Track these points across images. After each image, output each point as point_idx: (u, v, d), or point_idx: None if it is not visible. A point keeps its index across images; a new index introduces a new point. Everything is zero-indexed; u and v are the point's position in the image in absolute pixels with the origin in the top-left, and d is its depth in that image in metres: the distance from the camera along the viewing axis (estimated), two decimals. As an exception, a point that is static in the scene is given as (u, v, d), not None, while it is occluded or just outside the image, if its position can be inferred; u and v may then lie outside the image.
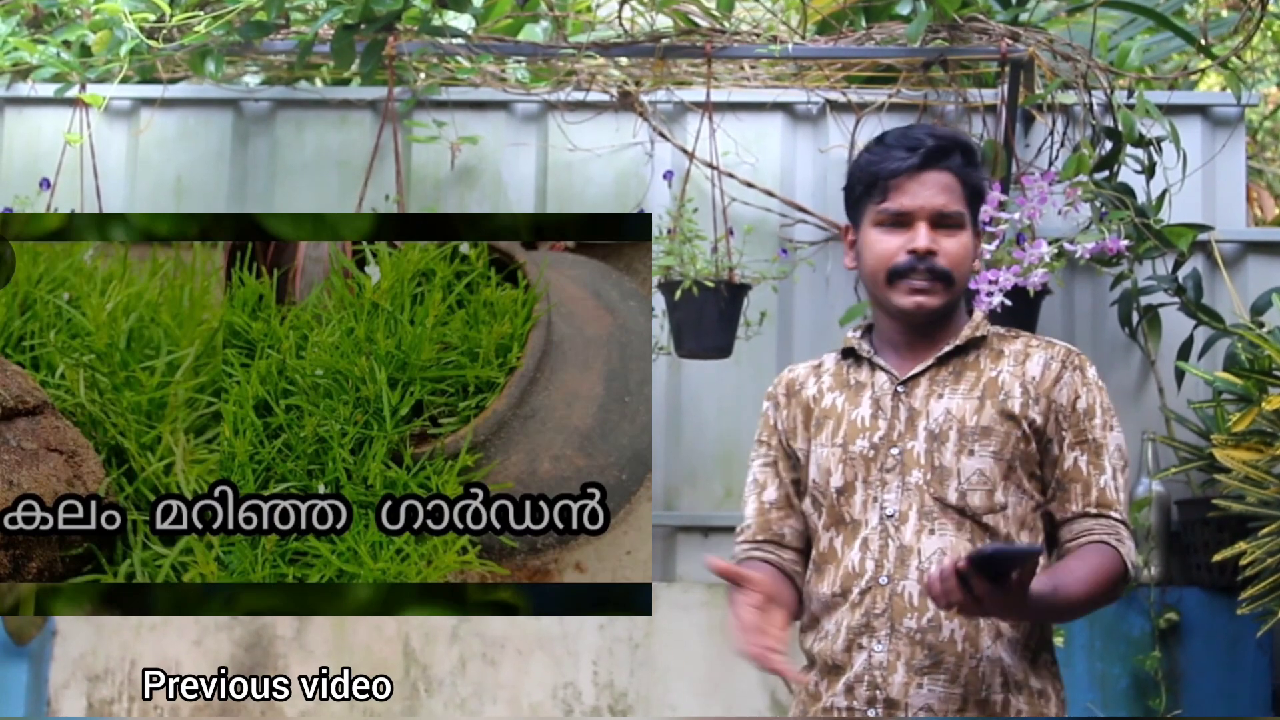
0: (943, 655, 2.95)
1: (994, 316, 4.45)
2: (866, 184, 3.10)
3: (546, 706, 5.13)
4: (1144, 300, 5.14)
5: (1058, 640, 4.67)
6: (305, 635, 5.17)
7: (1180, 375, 5.10)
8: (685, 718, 5.08)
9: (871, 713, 2.97)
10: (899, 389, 3.08)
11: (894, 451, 3.04)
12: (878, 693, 2.97)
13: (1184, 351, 5.08)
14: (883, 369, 3.11)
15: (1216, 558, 4.65)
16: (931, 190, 3.05)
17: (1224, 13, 6.53)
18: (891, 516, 3.01)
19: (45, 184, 5.08)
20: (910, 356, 3.11)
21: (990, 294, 4.54)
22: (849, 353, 3.19)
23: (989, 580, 2.75)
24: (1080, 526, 3.03)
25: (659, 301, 4.88)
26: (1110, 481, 3.05)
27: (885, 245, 3.07)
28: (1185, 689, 4.95)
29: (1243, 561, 4.43)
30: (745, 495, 3.25)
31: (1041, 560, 2.99)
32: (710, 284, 4.75)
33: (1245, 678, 4.92)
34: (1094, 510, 3.03)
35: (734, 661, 5.10)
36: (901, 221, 3.06)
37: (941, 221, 3.05)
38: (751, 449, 3.28)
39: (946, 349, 3.09)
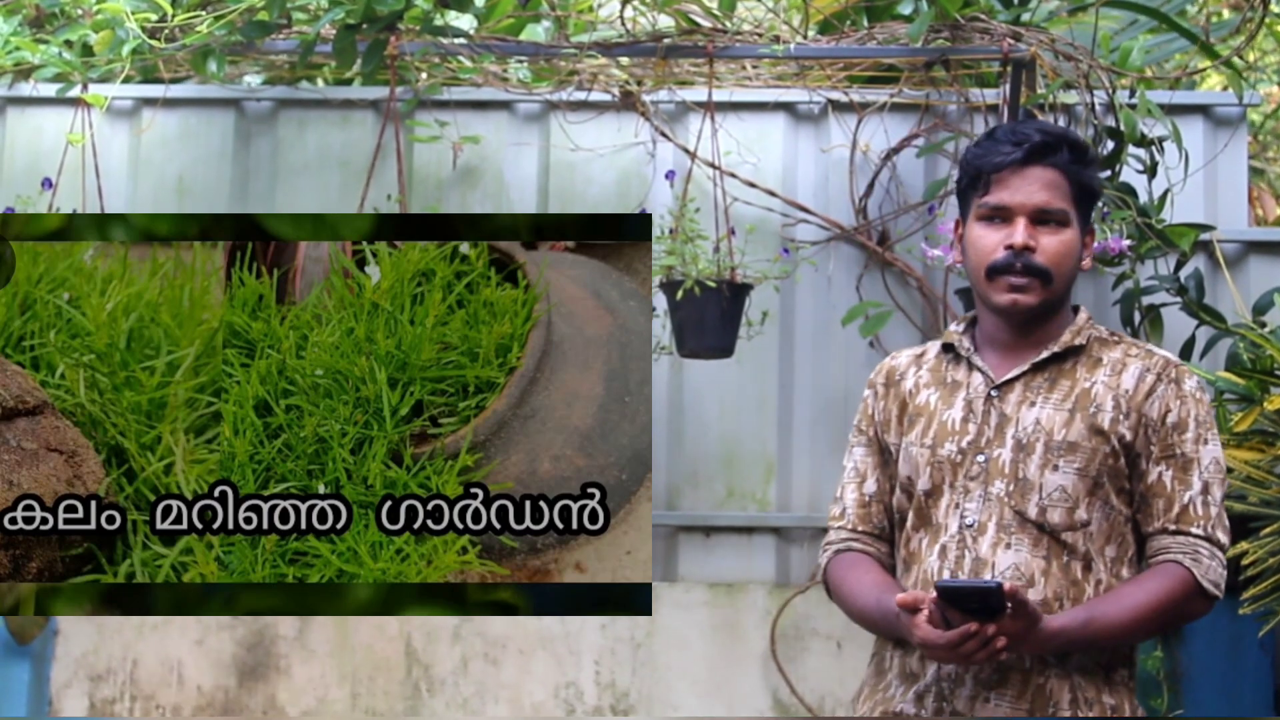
0: (1010, 671, 2.93)
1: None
2: (971, 177, 3.07)
3: (548, 706, 5.13)
4: (1146, 300, 5.13)
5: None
6: (307, 635, 5.18)
7: (1182, 375, 5.09)
8: (687, 718, 5.08)
9: None
10: (992, 393, 3.04)
11: (979, 459, 3.00)
12: (945, 704, 2.95)
13: (1186, 351, 5.07)
14: (979, 370, 3.07)
15: (1218, 558, 4.65)
16: (1034, 186, 3.01)
17: (1225, 12, 6.53)
18: (970, 526, 2.97)
19: (47, 183, 5.08)
20: (1011, 357, 3.06)
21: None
22: (949, 348, 3.16)
23: (966, 614, 2.74)
24: (1158, 544, 2.99)
25: (660, 301, 4.88)
26: (1197, 497, 2.98)
27: (985, 240, 3.03)
28: (1187, 688, 4.94)
29: (1244, 561, 4.42)
30: (844, 480, 3.20)
31: (1113, 575, 2.99)
32: (712, 284, 4.74)
33: (1247, 677, 4.91)
34: (1173, 527, 2.97)
35: (736, 661, 5.13)
36: (1002, 216, 3.02)
37: (1042, 218, 3.00)
38: (851, 433, 3.24)
39: (1044, 354, 3.04)
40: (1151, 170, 4.99)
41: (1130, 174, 4.98)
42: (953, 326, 3.18)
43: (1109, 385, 3.01)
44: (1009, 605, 2.75)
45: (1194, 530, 2.97)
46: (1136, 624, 2.92)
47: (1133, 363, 3.05)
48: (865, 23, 5.51)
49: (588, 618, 5.15)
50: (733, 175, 5.28)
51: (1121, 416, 2.99)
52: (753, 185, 5.37)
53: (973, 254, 3.06)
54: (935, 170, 5.38)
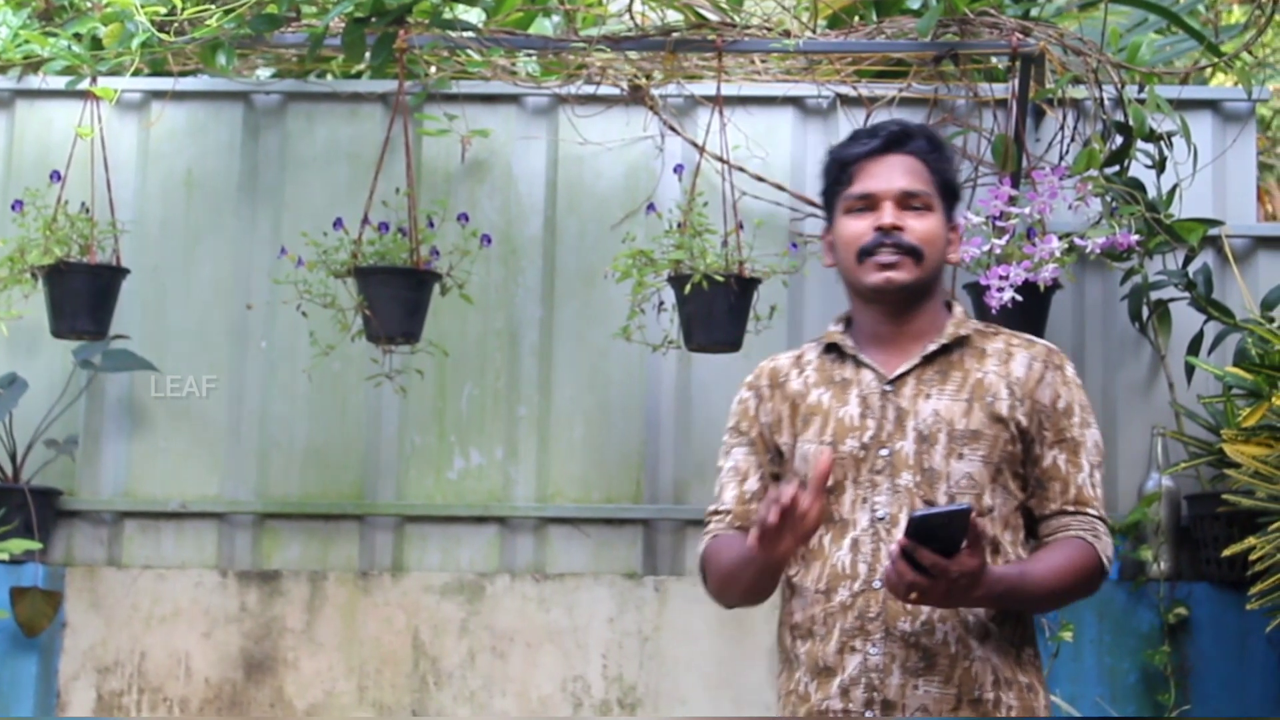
0: (936, 657, 2.99)
1: (1004, 312, 4.46)
2: (835, 175, 3.17)
3: (555, 700, 5.14)
4: (1154, 295, 5.13)
5: (1066, 635, 4.72)
6: (315, 628, 5.19)
7: (1190, 370, 5.10)
8: (694, 718, 5.08)
9: (869, 714, 2.99)
10: (886, 388, 3.09)
11: (883, 452, 3.05)
12: (875, 694, 2.99)
13: (1194, 346, 5.08)
14: (868, 367, 3.12)
15: (1226, 553, 4.66)
16: (896, 172, 3.10)
17: (1235, 10, 6.52)
18: (883, 519, 3.02)
19: (56, 176, 5.07)
20: (894, 352, 3.12)
21: (1001, 290, 4.54)
22: (832, 347, 3.20)
23: (934, 550, 2.77)
24: (1058, 523, 3.08)
25: (669, 295, 4.88)
26: (1088, 479, 3.10)
27: (854, 228, 3.10)
28: (1194, 684, 4.95)
29: (1252, 556, 4.44)
30: (722, 479, 3.24)
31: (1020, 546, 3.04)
32: (720, 278, 4.74)
33: (1255, 673, 4.92)
34: (1071, 508, 3.08)
35: (744, 655, 5.13)
36: (869, 204, 3.10)
37: (907, 202, 3.09)
38: (726, 434, 3.28)
39: (932, 348, 3.11)
40: (1160, 165, 5.00)
41: (1139, 169, 4.99)
42: (831, 327, 3.23)
43: (1000, 374, 3.11)
44: (966, 537, 2.80)
45: (1090, 510, 3.09)
46: (1059, 587, 3.02)
47: (1018, 351, 3.14)
48: (874, 17, 5.50)
49: (596, 611, 5.16)
50: (741, 169, 5.28)
51: (1017, 403, 3.08)
52: (761, 179, 5.37)
53: (842, 245, 3.15)
54: (943, 165, 5.37)
